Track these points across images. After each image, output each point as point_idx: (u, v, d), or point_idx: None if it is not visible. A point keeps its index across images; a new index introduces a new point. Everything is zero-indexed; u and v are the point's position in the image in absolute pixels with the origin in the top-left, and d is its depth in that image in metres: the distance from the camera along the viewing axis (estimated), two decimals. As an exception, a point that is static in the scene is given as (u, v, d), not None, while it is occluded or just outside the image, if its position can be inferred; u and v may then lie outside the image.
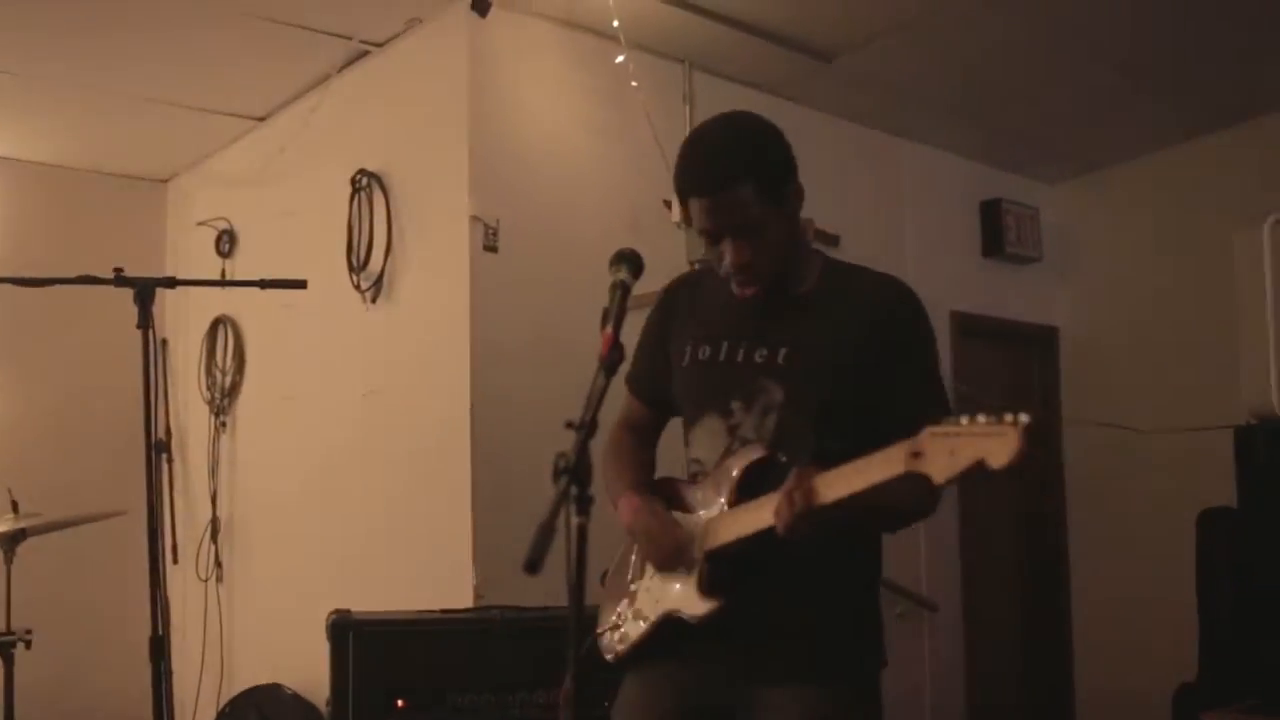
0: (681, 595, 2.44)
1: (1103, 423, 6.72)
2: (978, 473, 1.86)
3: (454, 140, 4.82)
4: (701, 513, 2.46)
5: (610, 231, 4.76)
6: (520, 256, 4.71)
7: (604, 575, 2.72)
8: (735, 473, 2.43)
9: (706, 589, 2.39)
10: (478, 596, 4.44)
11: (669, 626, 2.46)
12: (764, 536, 2.29)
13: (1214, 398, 6.31)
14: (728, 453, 2.48)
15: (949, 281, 6.59)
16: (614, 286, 2.35)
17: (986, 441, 1.84)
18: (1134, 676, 6.34)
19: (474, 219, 4.67)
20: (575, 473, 2.03)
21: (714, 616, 2.37)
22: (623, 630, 2.57)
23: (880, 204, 6.31)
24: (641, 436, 2.80)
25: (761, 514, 2.29)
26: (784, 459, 2.40)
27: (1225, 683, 4.69)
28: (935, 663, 6.29)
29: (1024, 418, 1.80)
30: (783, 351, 2.47)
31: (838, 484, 2.15)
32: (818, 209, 5.78)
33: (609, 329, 2.26)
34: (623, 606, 2.60)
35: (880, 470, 2.07)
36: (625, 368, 2.33)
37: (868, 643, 2.56)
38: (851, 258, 5.93)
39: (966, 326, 6.59)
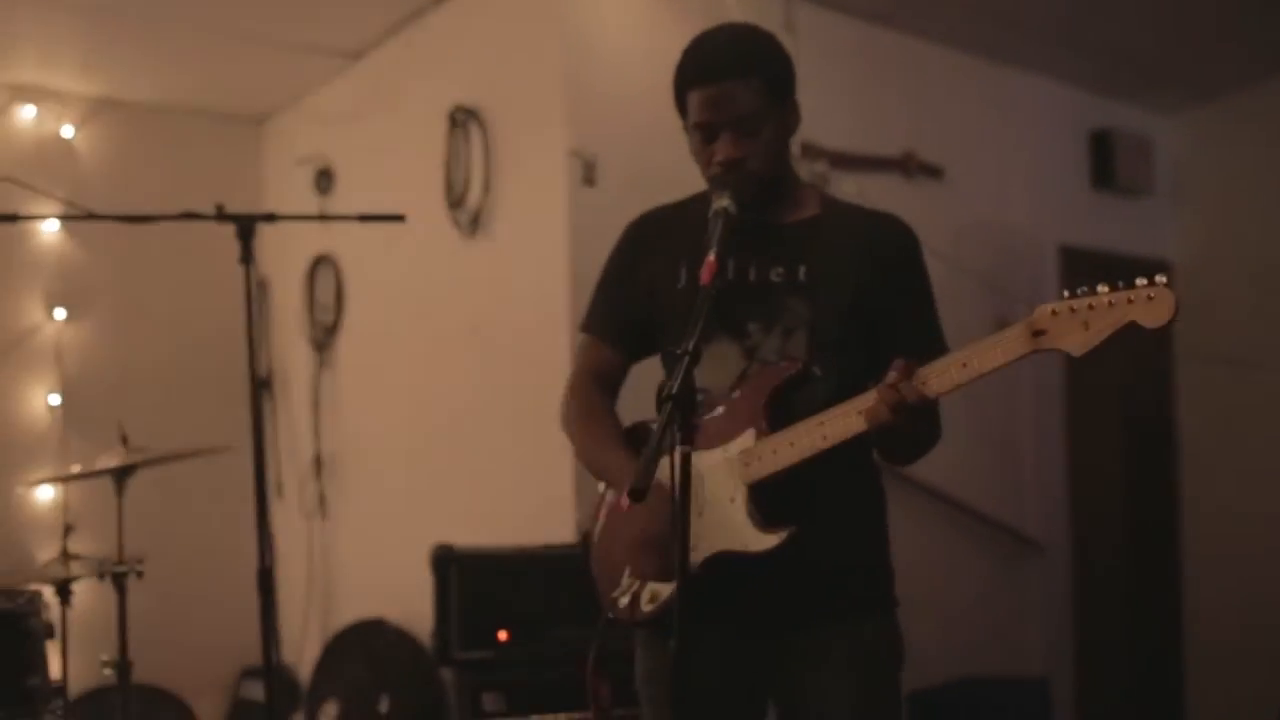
0: (729, 534, 2.29)
1: (1218, 358, 6.54)
2: (1122, 336, 1.96)
3: (550, 74, 4.77)
4: (730, 444, 2.33)
5: (710, 164, 4.69)
6: (619, 190, 4.65)
7: (587, 535, 2.60)
8: (768, 390, 2.33)
9: (765, 522, 2.27)
10: (580, 531, 4.43)
11: (716, 569, 2.29)
12: (812, 460, 2.24)
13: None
14: (744, 376, 2.38)
15: (1057, 214, 6.43)
16: (716, 214, 2.32)
17: (1134, 306, 1.94)
18: (1250, 625, 6.21)
19: (571, 153, 4.63)
20: (679, 400, 2.01)
21: (783, 548, 2.24)
22: (649, 590, 2.38)
23: (986, 135, 6.16)
24: (607, 389, 2.64)
25: (820, 430, 2.21)
26: (819, 373, 2.33)
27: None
28: (1043, 599, 6.20)
29: (1163, 278, 1.93)
30: (802, 269, 2.40)
31: (947, 373, 2.11)
32: (921, 140, 5.75)
33: (712, 255, 2.23)
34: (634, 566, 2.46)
35: (997, 355, 2.06)
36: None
37: (889, 576, 2.50)
38: (957, 190, 5.91)
39: (1075, 260, 6.42)
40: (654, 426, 2.48)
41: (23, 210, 3.79)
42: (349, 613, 5.72)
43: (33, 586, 3.62)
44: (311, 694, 5.60)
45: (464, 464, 5.23)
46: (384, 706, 5.13)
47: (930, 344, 2.33)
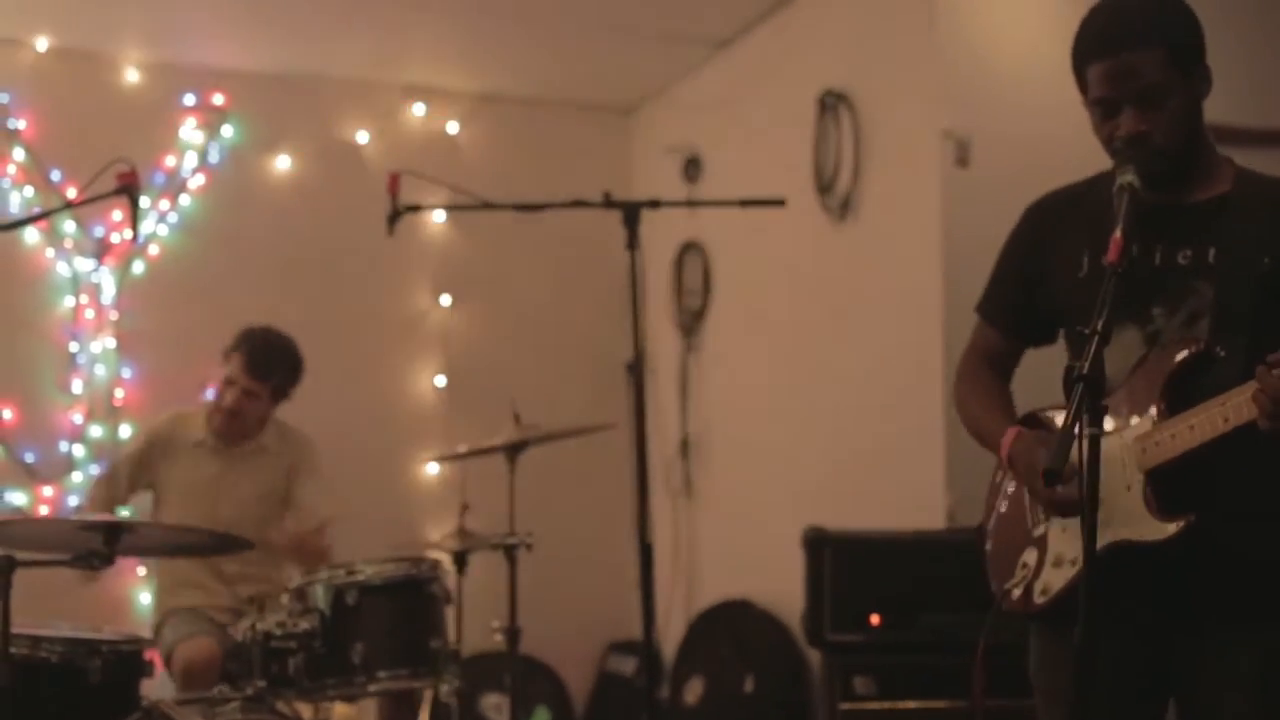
0: (1126, 523, 2.19)
1: None
2: None
3: (922, 53, 4.72)
4: (1126, 430, 2.24)
5: (1092, 140, 4.52)
6: (994, 171, 4.54)
7: (981, 526, 2.55)
8: (1166, 373, 2.22)
9: (1164, 510, 2.17)
10: (950, 518, 4.38)
11: (1112, 560, 2.18)
12: (1214, 445, 2.11)
13: None
14: (1143, 360, 2.28)
15: None
16: (1120, 189, 2.23)
17: None
18: None
19: (944, 133, 4.56)
20: (1090, 381, 1.95)
21: (1184, 539, 2.14)
22: (1042, 581, 2.34)
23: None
24: (997, 371, 2.60)
25: (1221, 412, 2.07)
26: (1222, 353, 2.20)
27: None
28: None
29: None
30: (1211, 251, 2.26)
31: None
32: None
33: (1118, 233, 2.15)
34: (1028, 556, 2.38)
35: None
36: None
37: None
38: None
39: None
40: (1046, 414, 2.45)
41: (420, 202, 4.01)
42: (712, 593, 5.82)
43: (432, 556, 3.87)
44: (677, 671, 5.75)
45: (830, 449, 5.23)
46: (749, 686, 5.21)
47: None
